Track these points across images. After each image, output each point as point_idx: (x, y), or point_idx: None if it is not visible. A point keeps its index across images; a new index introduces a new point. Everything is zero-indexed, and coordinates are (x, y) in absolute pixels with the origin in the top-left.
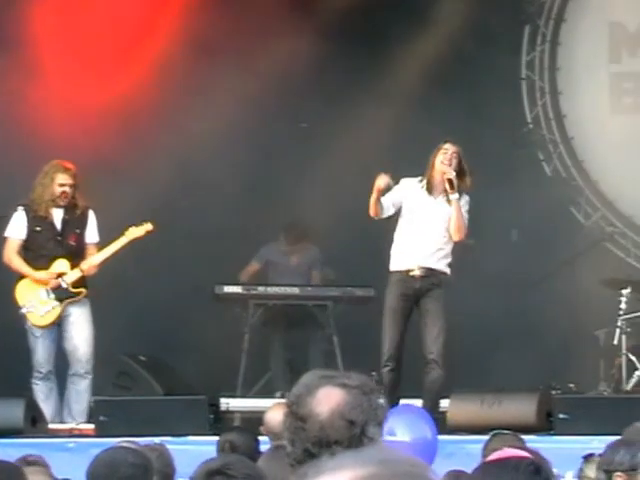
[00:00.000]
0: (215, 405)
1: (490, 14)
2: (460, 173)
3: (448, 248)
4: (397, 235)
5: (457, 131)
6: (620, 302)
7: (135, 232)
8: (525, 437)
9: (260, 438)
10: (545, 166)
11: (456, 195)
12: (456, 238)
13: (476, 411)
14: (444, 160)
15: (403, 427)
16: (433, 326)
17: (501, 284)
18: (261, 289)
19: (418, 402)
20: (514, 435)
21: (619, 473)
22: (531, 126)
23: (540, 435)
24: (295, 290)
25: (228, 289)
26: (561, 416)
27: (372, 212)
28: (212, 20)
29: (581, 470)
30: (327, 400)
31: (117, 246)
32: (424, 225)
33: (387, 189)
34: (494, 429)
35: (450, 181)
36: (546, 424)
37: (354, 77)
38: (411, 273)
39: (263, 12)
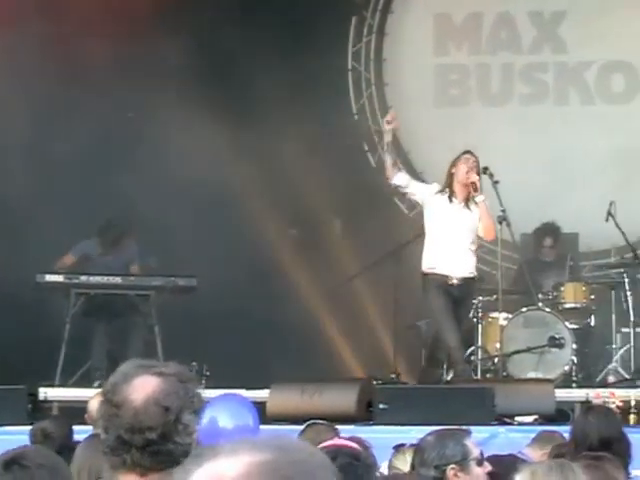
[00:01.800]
0: (34, 395)
1: (317, 5)
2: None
3: (475, 251)
4: (428, 240)
5: (282, 121)
6: None
7: None
8: (344, 427)
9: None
10: (370, 157)
11: (482, 196)
12: (488, 238)
13: (296, 401)
14: (469, 169)
15: (225, 415)
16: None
17: (325, 274)
18: (83, 278)
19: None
20: (329, 425)
21: (453, 465)
22: (357, 117)
23: (359, 425)
24: (117, 280)
25: (50, 278)
26: (381, 406)
27: (386, 172)
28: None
29: (390, 461)
30: (142, 387)
31: None
32: (455, 233)
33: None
34: (315, 419)
35: (474, 184)
36: (366, 414)
37: (180, 66)
38: (450, 282)
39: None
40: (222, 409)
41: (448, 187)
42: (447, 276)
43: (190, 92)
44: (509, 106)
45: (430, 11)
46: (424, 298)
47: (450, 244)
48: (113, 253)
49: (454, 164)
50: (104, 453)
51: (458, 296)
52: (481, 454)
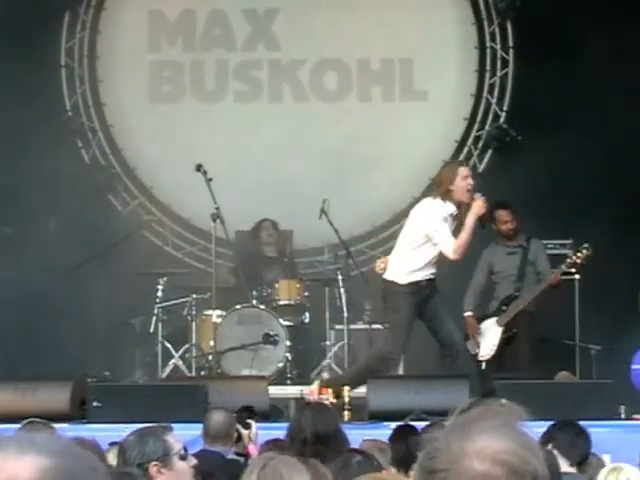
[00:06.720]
0: None
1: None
2: None
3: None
4: (416, 253)
5: None
6: (157, 290)
7: None
8: (58, 425)
9: None
10: (84, 153)
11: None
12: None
13: (9, 399)
14: (471, 189)
15: None
16: (448, 318)
17: (38, 273)
18: None
19: None
20: (45, 424)
21: (155, 462)
22: (70, 113)
23: (73, 423)
24: None
25: None
26: (95, 404)
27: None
28: None
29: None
30: None
31: None
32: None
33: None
34: (29, 417)
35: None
36: (80, 412)
37: None
38: (421, 284)
39: None
40: None
41: (458, 204)
42: (420, 281)
43: None
44: (223, 103)
45: (144, 8)
46: (389, 303)
47: (434, 257)
48: None
49: (456, 173)
50: None
51: (427, 294)
52: (184, 448)
